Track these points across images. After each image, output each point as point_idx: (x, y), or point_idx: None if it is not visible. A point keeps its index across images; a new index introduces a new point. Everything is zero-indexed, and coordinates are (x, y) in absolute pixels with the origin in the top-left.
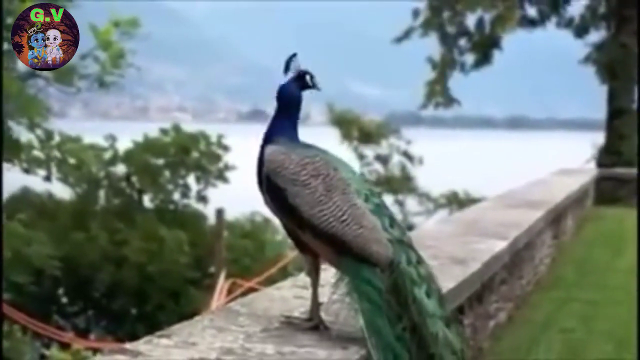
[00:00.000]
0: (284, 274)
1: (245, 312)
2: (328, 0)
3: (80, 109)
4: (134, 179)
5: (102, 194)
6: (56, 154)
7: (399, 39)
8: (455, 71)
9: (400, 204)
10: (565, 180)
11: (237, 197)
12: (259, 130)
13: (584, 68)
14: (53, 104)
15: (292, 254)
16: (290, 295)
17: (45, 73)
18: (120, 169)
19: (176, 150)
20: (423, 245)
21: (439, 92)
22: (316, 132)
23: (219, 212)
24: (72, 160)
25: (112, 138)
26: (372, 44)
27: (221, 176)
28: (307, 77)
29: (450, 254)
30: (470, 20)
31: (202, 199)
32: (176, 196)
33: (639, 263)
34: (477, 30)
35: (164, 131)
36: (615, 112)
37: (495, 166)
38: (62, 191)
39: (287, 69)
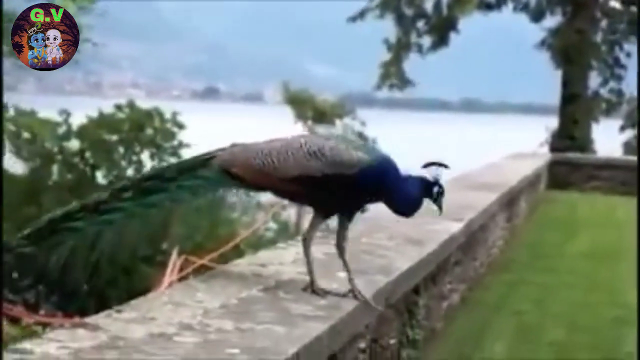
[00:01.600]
0: (237, 252)
1: (204, 288)
2: None
3: (34, 83)
4: (87, 154)
5: (55, 169)
6: (10, 127)
7: (354, 18)
8: (411, 53)
9: None
10: (519, 163)
11: None
12: (213, 108)
13: (539, 53)
14: (6, 78)
15: (245, 232)
16: (248, 272)
17: None
18: (74, 144)
19: (130, 126)
20: (379, 226)
21: (393, 73)
22: (271, 111)
23: None
24: (26, 134)
25: (66, 113)
26: (330, 25)
27: (175, 153)
28: (435, 190)
29: (406, 235)
30: (428, 3)
31: None
32: (130, 172)
33: (638, 254)
34: (435, 12)
35: (118, 107)
36: (569, 97)
37: (449, 149)
38: (15, 165)
39: (426, 166)
